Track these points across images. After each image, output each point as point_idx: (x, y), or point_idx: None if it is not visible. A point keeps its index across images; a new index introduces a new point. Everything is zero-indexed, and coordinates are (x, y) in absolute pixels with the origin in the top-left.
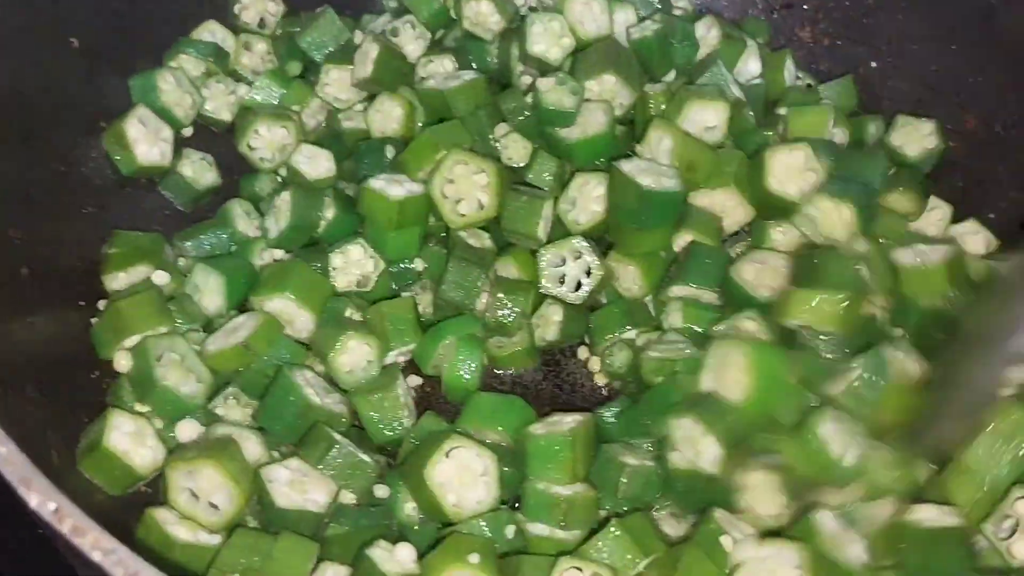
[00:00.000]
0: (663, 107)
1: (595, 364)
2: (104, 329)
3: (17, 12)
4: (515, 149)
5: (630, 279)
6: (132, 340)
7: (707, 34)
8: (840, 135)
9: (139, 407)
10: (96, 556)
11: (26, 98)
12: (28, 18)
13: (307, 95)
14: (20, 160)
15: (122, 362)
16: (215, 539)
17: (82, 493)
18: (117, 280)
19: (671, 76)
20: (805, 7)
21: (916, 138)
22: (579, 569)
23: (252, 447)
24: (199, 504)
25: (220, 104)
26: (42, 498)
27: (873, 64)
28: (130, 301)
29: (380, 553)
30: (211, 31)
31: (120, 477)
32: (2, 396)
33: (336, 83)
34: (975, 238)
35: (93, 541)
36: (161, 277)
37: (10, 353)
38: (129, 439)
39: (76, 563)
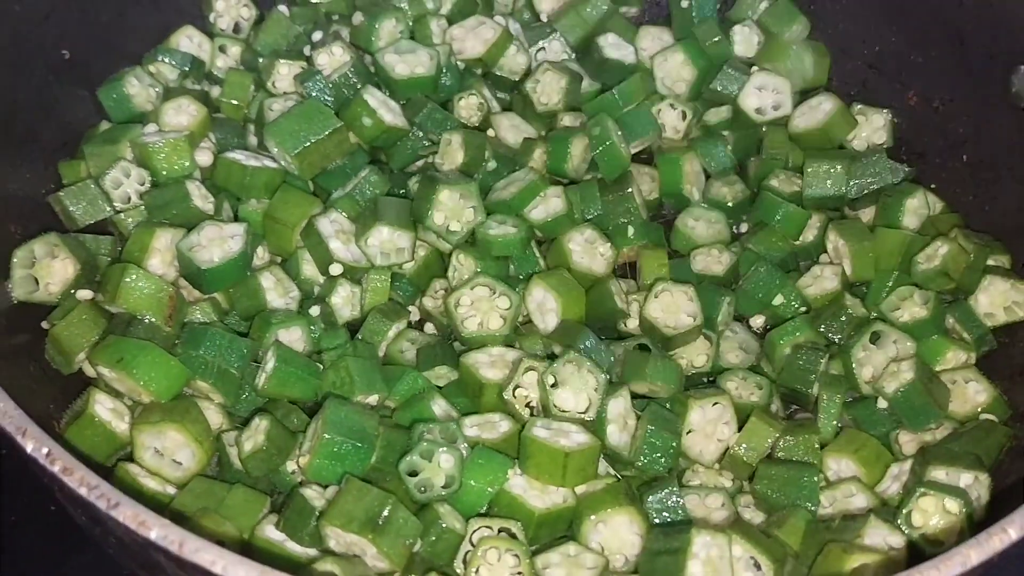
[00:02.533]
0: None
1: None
2: (54, 354)
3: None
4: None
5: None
6: (81, 357)
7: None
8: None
9: None
10: (83, 491)
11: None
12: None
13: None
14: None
15: (89, 370)
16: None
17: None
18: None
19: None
20: None
21: (866, 130)
22: (490, 528)
23: (213, 415)
24: (164, 461)
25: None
26: (36, 443)
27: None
28: (64, 324)
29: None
30: (188, 35)
31: (103, 444)
32: (6, 369)
33: (286, 78)
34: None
35: (80, 479)
36: (84, 294)
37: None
38: (111, 413)
39: (67, 502)
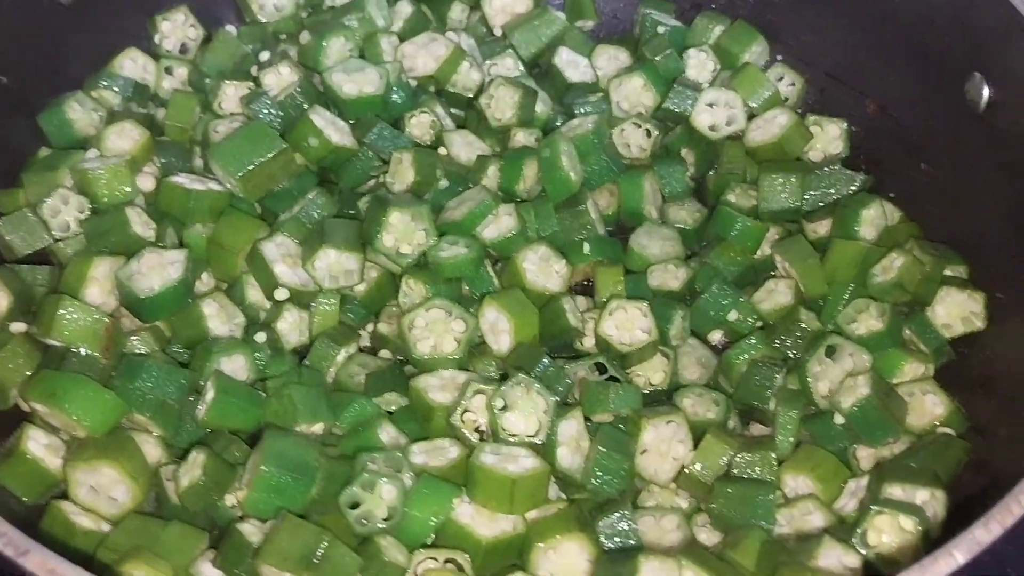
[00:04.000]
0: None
1: None
2: None
3: None
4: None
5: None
6: (14, 392)
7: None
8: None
9: None
10: None
11: None
12: None
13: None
14: None
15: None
16: None
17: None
18: None
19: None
20: (714, 6)
21: (823, 141)
22: (435, 559)
23: (152, 449)
24: (99, 498)
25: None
26: None
27: (779, 57)
28: None
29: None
30: (132, 58)
31: (35, 482)
32: None
33: (232, 99)
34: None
35: None
36: (18, 327)
37: None
38: (45, 449)
39: None
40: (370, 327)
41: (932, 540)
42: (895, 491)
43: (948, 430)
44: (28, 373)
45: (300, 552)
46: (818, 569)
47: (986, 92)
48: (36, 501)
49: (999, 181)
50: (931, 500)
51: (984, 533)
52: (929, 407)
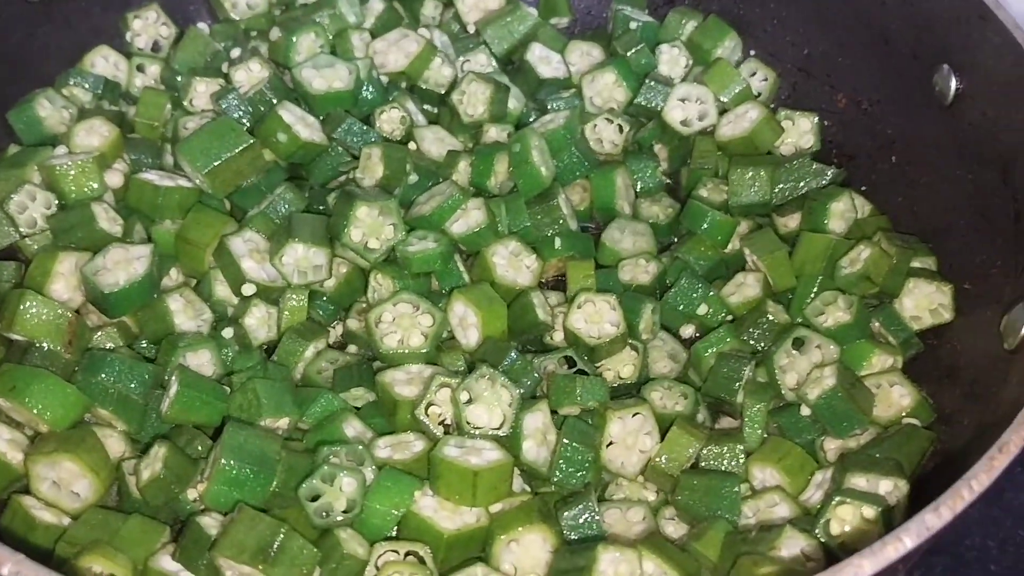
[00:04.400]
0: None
1: None
2: None
3: None
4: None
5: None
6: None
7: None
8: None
9: None
10: None
11: None
12: None
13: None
14: None
15: None
16: None
17: None
18: None
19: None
20: (686, 2)
21: (794, 135)
22: (396, 552)
23: (115, 443)
24: (61, 492)
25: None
26: None
27: (752, 52)
28: None
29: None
30: (104, 56)
31: None
32: None
33: (203, 96)
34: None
35: None
36: None
37: None
38: (6, 444)
39: None
40: (339, 325)
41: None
42: (859, 481)
43: (914, 421)
44: None
45: (256, 544)
46: (774, 558)
47: (953, 84)
48: None
49: (967, 173)
50: (894, 490)
51: (934, 518)
52: (896, 398)
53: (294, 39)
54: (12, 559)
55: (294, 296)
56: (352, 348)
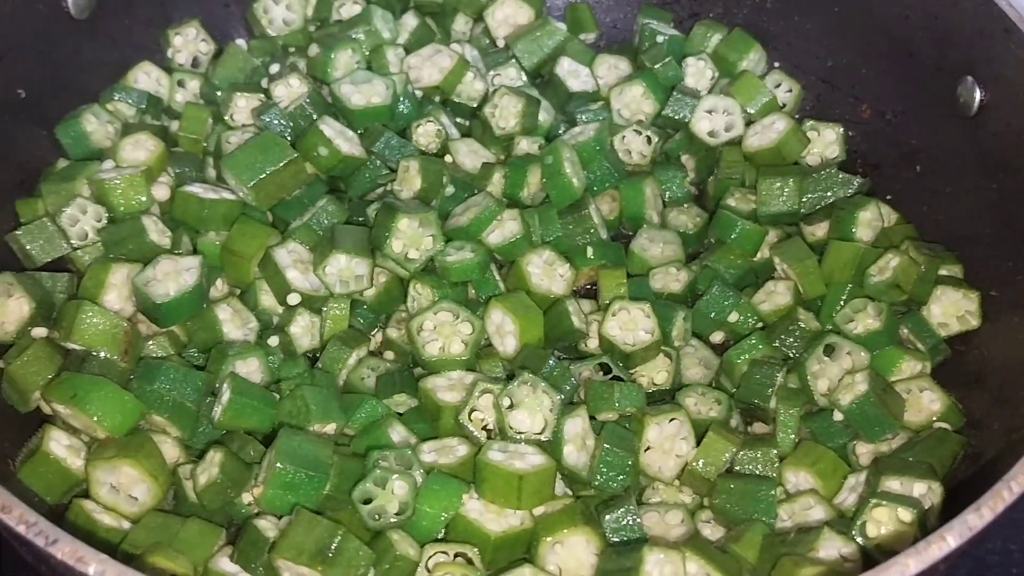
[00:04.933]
0: None
1: None
2: (10, 392)
3: None
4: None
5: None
6: (37, 395)
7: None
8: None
9: None
10: (21, 528)
11: None
12: None
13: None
14: None
15: (46, 407)
16: None
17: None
18: None
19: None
20: (711, 15)
21: (819, 146)
22: (445, 553)
23: (169, 449)
24: (120, 496)
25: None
26: None
27: (776, 64)
28: (20, 363)
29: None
30: (146, 71)
31: (57, 483)
32: None
33: (244, 110)
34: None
35: (18, 516)
36: (39, 332)
37: None
38: (66, 450)
39: (13, 542)
40: (378, 332)
41: (929, 530)
42: (893, 484)
43: (944, 425)
44: (49, 376)
45: (315, 546)
46: (815, 560)
47: (978, 95)
48: (59, 501)
49: (992, 182)
50: (928, 492)
51: (976, 518)
52: (926, 403)
53: (332, 55)
54: (96, 559)
55: (336, 305)
56: (388, 354)
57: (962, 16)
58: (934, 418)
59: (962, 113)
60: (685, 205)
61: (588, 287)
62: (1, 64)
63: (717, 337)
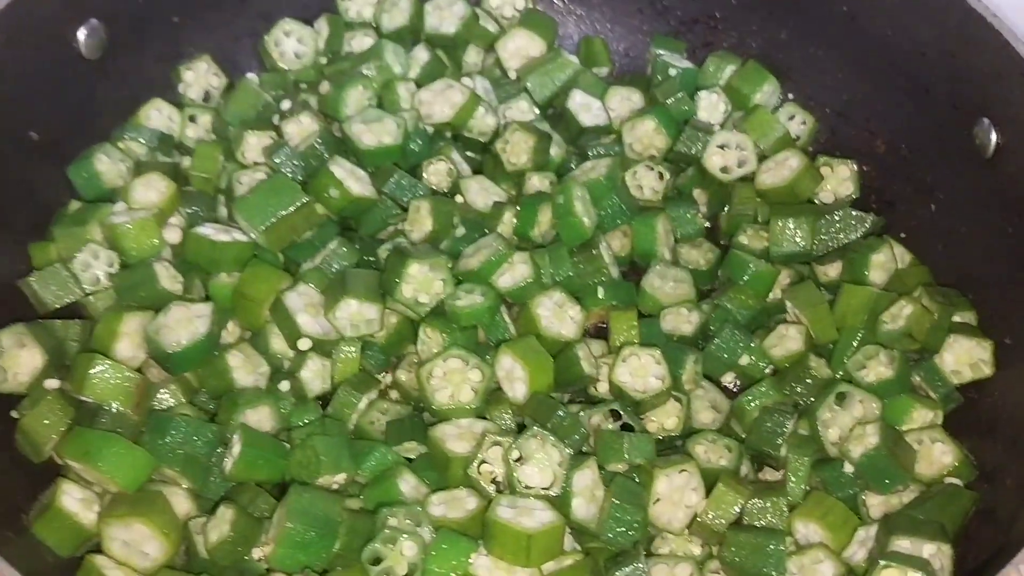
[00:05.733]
0: None
1: None
2: (24, 444)
3: None
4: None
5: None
6: (51, 446)
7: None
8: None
9: None
10: None
11: None
12: None
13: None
14: None
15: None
16: None
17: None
18: None
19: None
20: (725, 45)
21: (833, 183)
22: None
23: (181, 501)
24: (132, 552)
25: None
26: None
27: (791, 96)
28: (33, 415)
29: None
30: (158, 108)
31: (70, 537)
32: None
33: (255, 148)
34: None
35: None
36: (52, 384)
37: None
38: (79, 504)
39: None
40: (387, 374)
41: None
42: (903, 544)
43: (956, 481)
44: (62, 429)
45: None
46: None
47: (994, 138)
48: (71, 555)
49: (1008, 225)
50: (938, 554)
51: None
52: (937, 456)
53: (343, 93)
54: None
55: (347, 348)
56: (395, 394)
57: (979, 57)
58: (946, 471)
59: (978, 154)
60: (697, 241)
61: (598, 326)
62: (14, 107)
63: (727, 378)
